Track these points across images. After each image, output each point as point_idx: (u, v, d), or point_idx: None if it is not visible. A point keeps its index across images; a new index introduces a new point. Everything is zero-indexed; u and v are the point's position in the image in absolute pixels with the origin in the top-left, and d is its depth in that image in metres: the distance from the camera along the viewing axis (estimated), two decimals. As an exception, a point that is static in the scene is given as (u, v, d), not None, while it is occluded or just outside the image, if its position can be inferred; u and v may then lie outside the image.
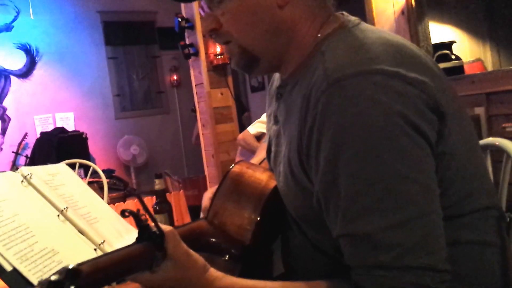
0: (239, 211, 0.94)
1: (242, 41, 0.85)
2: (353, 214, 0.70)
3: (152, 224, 0.69)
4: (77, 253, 1.04)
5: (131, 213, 0.66)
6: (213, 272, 0.75)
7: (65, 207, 1.11)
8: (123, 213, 0.67)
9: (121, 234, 1.25)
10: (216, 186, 1.06)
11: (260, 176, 0.99)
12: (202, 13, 0.85)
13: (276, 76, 1.04)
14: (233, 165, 1.02)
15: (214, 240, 0.93)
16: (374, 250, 0.69)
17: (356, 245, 0.71)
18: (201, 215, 1.05)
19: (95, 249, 1.08)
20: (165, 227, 0.71)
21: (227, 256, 0.91)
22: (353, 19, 0.86)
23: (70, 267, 0.57)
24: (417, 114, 0.70)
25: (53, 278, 0.55)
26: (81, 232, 1.10)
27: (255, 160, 1.22)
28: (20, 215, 0.99)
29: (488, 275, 0.79)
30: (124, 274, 0.67)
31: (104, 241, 1.11)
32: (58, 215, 1.10)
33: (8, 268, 0.86)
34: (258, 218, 0.92)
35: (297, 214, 0.89)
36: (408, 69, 0.73)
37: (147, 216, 0.68)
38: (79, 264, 0.59)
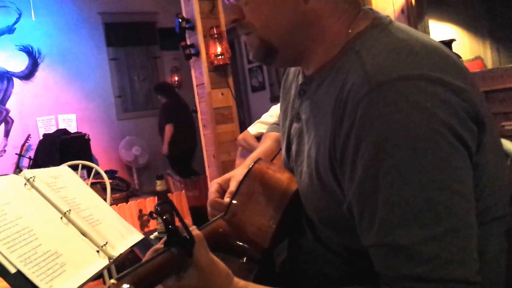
0: (260, 213, 0.93)
1: (263, 33, 0.83)
2: (391, 224, 0.68)
3: (180, 226, 0.68)
4: (80, 255, 1.05)
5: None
6: (237, 282, 0.74)
7: (68, 210, 1.13)
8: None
9: (123, 236, 1.27)
10: (219, 179, 1.05)
11: (281, 177, 0.97)
12: (226, 2, 0.86)
13: (292, 69, 1.01)
14: (253, 164, 1.00)
15: (239, 243, 0.91)
16: (411, 262, 0.67)
17: (392, 256, 0.68)
18: (208, 209, 1.03)
19: (97, 251, 1.10)
20: (195, 232, 0.70)
21: (245, 258, 0.90)
22: (384, 16, 0.81)
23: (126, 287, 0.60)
24: (460, 124, 0.68)
25: None
26: (84, 234, 1.11)
27: (259, 150, 1.20)
28: (23, 218, 1.00)
29: (497, 280, 0.78)
30: (160, 281, 0.67)
31: (106, 242, 1.13)
32: (61, 218, 1.11)
33: (12, 271, 0.87)
34: (279, 221, 0.91)
35: (318, 215, 0.87)
36: (450, 75, 0.70)
37: (163, 219, 0.68)
38: (120, 278, 0.61)
